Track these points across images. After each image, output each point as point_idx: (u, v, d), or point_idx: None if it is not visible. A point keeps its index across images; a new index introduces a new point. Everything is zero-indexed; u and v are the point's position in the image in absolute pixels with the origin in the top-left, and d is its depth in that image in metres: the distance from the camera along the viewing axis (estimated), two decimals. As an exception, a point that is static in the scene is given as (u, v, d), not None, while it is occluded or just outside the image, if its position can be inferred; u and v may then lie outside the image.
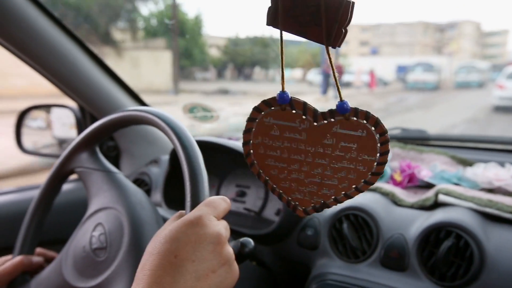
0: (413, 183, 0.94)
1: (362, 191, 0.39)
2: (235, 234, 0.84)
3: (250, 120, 0.40)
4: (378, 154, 0.37)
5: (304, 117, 0.38)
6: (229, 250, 0.43)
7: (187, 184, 0.53)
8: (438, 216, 0.74)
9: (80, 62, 1.03)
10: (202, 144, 0.95)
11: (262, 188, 0.96)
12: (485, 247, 0.67)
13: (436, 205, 0.81)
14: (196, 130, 1.30)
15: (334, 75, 0.36)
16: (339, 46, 0.36)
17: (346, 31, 0.36)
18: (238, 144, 0.96)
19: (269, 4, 0.38)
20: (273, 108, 0.39)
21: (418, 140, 1.14)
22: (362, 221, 0.79)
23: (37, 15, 0.91)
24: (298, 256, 0.86)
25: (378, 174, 0.38)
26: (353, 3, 0.35)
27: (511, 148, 1.06)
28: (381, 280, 0.73)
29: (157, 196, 1.02)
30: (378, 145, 0.37)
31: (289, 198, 0.42)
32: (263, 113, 0.40)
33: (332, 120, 0.37)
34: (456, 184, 0.88)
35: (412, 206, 0.83)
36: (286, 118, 0.39)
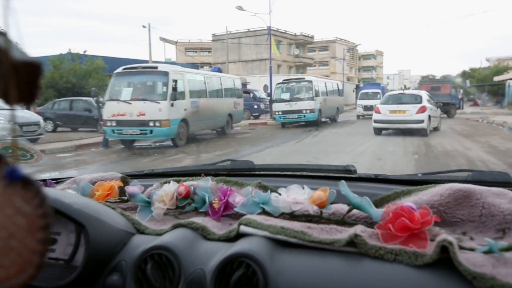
0: (229, 211, 0.97)
1: None
2: None
3: None
4: None
5: None
6: None
7: None
8: (234, 248, 0.77)
9: None
10: None
11: (73, 233, 0.90)
12: (269, 273, 0.71)
13: (240, 235, 0.85)
14: None
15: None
16: (27, 102, 0.34)
17: (31, 91, 0.35)
18: (47, 191, 0.89)
19: None
20: None
21: (245, 171, 1.21)
22: (165, 260, 0.79)
23: None
24: None
25: None
26: (38, 65, 0.34)
27: (324, 174, 1.19)
28: None
29: None
30: None
31: None
32: None
33: None
34: (263, 210, 0.93)
35: (219, 239, 0.86)
36: None
